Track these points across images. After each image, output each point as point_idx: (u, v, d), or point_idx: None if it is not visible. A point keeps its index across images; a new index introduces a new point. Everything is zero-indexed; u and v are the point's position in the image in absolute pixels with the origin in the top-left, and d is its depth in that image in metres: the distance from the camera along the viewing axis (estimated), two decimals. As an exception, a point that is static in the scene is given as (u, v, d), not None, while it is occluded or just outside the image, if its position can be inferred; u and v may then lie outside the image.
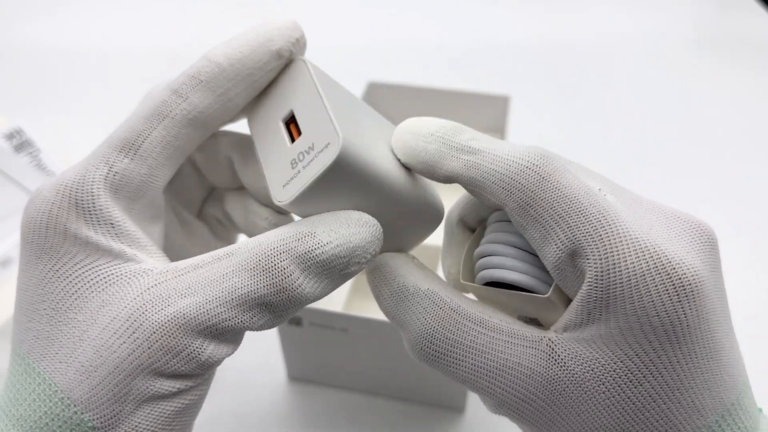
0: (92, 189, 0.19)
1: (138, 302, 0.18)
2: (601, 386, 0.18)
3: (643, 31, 0.69)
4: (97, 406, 0.17)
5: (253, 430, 0.33)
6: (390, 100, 0.46)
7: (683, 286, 0.17)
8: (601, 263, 0.17)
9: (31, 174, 0.40)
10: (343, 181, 0.18)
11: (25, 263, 0.19)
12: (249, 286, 0.18)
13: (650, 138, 0.54)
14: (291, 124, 0.20)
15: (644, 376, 0.18)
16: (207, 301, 0.18)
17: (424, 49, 0.65)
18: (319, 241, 0.18)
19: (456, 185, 0.20)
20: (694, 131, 0.55)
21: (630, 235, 0.17)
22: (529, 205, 0.18)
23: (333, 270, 0.18)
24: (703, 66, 0.63)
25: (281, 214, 0.24)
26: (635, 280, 0.17)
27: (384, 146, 0.20)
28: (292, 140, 0.19)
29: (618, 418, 0.18)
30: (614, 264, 0.17)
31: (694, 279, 0.17)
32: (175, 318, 0.18)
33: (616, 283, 0.17)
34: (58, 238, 0.19)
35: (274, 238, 0.18)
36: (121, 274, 0.18)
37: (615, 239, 0.17)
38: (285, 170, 0.19)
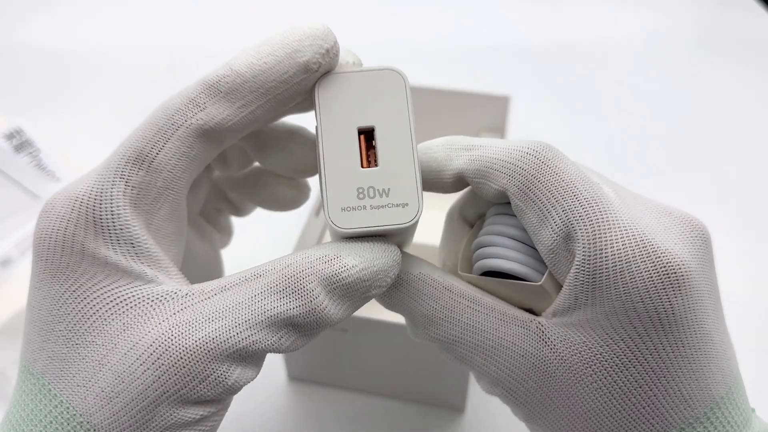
0: (112, 206, 0.18)
1: (163, 328, 0.17)
2: (589, 369, 0.18)
3: (643, 31, 0.69)
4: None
5: (253, 430, 0.33)
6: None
7: (669, 274, 0.17)
8: (588, 246, 0.18)
9: (31, 174, 0.39)
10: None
11: (38, 281, 0.19)
12: (278, 308, 0.18)
13: (650, 137, 0.54)
14: (366, 136, 0.19)
15: (630, 362, 0.18)
16: (237, 324, 0.18)
17: (424, 49, 0.65)
18: (345, 264, 0.18)
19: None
20: (694, 131, 0.55)
21: (620, 222, 0.18)
22: (529, 188, 0.19)
23: (356, 293, 0.19)
24: (703, 66, 0.63)
25: (299, 184, 0.26)
26: (621, 266, 0.17)
27: None
28: (362, 160, 0.19)
29: (606, 402, 0.18)
30: (601, 248, 0.18)
31: (681, 268, 0.17)
32: (205, 343, 0.17)
33: (602, 267, 0.18)
34: (76, 257, 0.18)
35: (302, 260, 0.18)
36: (142, 297, 0.18)
37: (604, 224, 0.18)
38: (349, 194, 0.19)
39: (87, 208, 0.18)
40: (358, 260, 0.18)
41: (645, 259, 0.17)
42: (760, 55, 0.65)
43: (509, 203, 0.20)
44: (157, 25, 0.69)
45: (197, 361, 0.17)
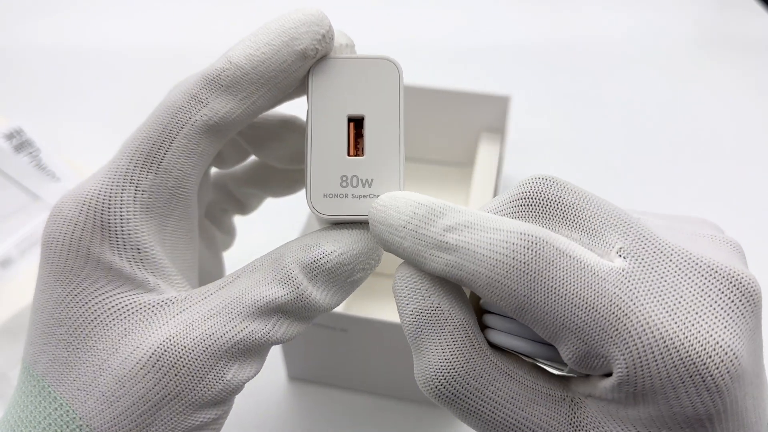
0: (121, 211, 0.18)
1: (163, 331, 0.18)
2: None
3: (643, 31, 0.69)
4: None
5: (253, 430, 0.33)
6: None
7: (714, 383, 0.15)
8: (626, 368, 0.15)
9: (31, 174, 0.39)
10: None
11: (43, 283, 0.19)
12: (267, 297, 0.18)
13: (650, 137, 0.54)
14: (355, 124, 0.19)
15: None
16: (231, 318, 0.18)
17: (424, 49, 0.65)
18: (324, 251, 0.19)
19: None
20: (693, 130, 0.55)
21: (651, 330, 0.15)
22: (524, 309, 0.16)
23: (339, 277, 0.19)
24: (703, 66, 0.63)
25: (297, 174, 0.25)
26: (664, 384, 0.15)
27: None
28: (349, 148, 0.19)
29: None
30: (640, 368, 0.15)
31: (726, 371, 0.15)
32: (202, 341, 0.18)
33: (645, 386, 0.15)
34: (80, 261, 0.18)
35: (284, 250, 0.19)
36: (144, 305, 0.18)
37: (635, 338, 0.15)
38: (332, 181, 0.19)
39: (95, 212, 0.18)
40: (336, 246, 0.19)
41: (688, 372, 0.15)
42: (759, 55, 0.65)
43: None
44: (158, 24, 0.69)
45: (196, 360, 0.17)
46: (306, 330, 0.20)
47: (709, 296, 0.16)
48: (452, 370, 0.17)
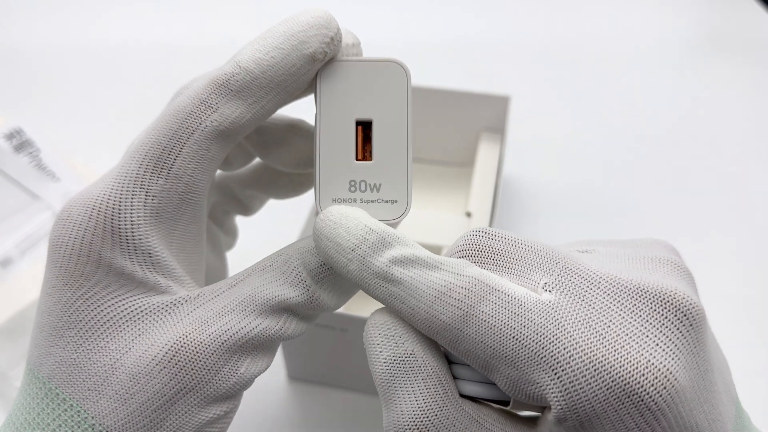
0: (131, 217, 0.18)
1: (179, 329, 0.18)
2: None
3: (644, 31, 0.69)
4: None
5: (253, 430, 0.33)
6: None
7: (653, 402, 0.15)
8: (561, 397, 0.16)
9: (31, 174, 0.39)
10: None
11: (50, 287, 0.19)
12: (279, 297, 0.19)
13: (650, 137, 0.54)
14: (363, 128, 0.19)
15: None
16: (246, 315, 0.18)
17: (425, 49, 0.65)
18: None
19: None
20: (694, 130, 0.55)
21: (579, 355, 0.16)
22: (458, 342, 0.17)
23: (345, 281, 0.19)
24: (704, 65, 0.63)
25: (303, 178, 0.25)
26: (605, 409, 0.16)
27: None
28: (357, 153, 0.19)
29: None
30: (575, 394, 0.16)
31: (663, 389, 0.15)
32: (219, 336, 0.18)
33: (588, 414, 0.16)
34: (91, 266, 0.18)
35: (293, 252, 0.19)
36: (157, 306, 0.18)
37: (563, 364, 0.16)
38: (341, 185, 0.19)
39: (105, 217, 0.18)
40: None
41: (624, 396, 0.15)
42: (760, 55, 0.65)
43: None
44: (158, 24, 0.69)
45: (212, 355, 0.18)
46: (311, 326, 0.20)
47: (640, 317, 0.16)
48: (426, 419, 0.17)
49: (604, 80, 0.61)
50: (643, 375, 0.15)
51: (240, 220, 0.29)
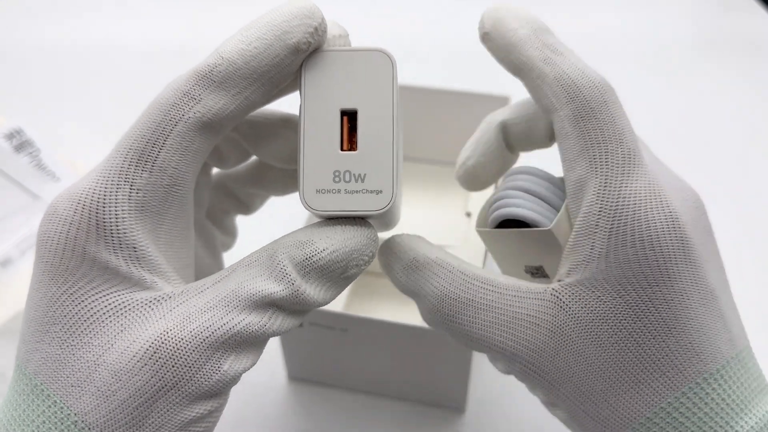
0: (116, 210, 0.18)
1: (161, 325, 0.18)
2: (604, 325, 0.19)
3: (643, 31, 0.69)
4: (114, 430, 0.17)
5: (253, 430, 0.33)
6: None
7: (677, 228, 0.19)
8: (613, 183, 0.19)
9: (31, 174, 0.39)
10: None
11: (37, 282, 0.19)
12: (262, 291, 0.18)
13: (649, 137, 0.54)
14: (348, 118, 0.19)
15: (642, 312, 0.18)
16: (228, 311, 0.18)
17: (424, 49, 0.65)
18: (317, 248, 0.19)
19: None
20: (693, 131, 0.55)
21: (646, 175, 0.19)
22: (583, 117, 0.20)
23: (332, 274, 0.19)
24: (703, 66, 0.63)
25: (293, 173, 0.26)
26: (638, 210, 0.19)
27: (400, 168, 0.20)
28: (342, 143, 0.19)
29: (623, 357, 0.19)
30: (624, 188, 0.19)
31: (686, 226, 0.19)
32: (200, 332, 0.18)
33: (621, 206, 0.19)
34: (76, 260, 0.18)
35: (279, 246, 0.19)
36: (141, 302, 0.18)
37: (633, 170, 0.19)
38: (324, 176, 0.19)
39: (90, 211, 0.18)
40: (328, 243, 0.19)
41: (659, 209, 0.19)
42: (760, 55, 0.65)
43: (524, 166, 0.23)
44: (157, 23, 0.69)
45: (193, 351, 0.17)
46: (301, 323, 0.20)
47: (675, 190, 0.20)
48: (443, 293, 0.21)
49: (604, 80, 0.61)
50: (678, 210, 0.19)
51: (240, 221, 0.29)
